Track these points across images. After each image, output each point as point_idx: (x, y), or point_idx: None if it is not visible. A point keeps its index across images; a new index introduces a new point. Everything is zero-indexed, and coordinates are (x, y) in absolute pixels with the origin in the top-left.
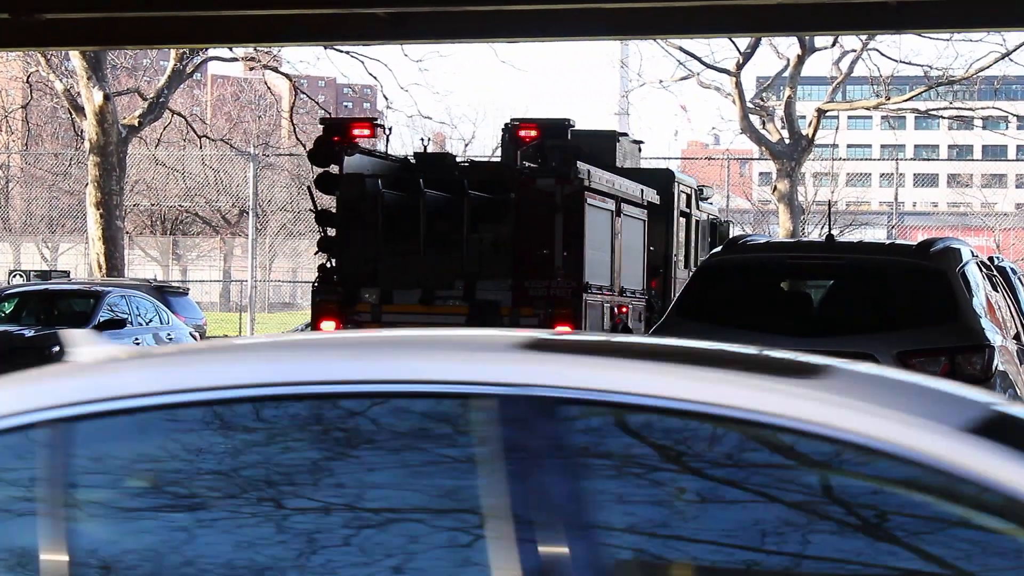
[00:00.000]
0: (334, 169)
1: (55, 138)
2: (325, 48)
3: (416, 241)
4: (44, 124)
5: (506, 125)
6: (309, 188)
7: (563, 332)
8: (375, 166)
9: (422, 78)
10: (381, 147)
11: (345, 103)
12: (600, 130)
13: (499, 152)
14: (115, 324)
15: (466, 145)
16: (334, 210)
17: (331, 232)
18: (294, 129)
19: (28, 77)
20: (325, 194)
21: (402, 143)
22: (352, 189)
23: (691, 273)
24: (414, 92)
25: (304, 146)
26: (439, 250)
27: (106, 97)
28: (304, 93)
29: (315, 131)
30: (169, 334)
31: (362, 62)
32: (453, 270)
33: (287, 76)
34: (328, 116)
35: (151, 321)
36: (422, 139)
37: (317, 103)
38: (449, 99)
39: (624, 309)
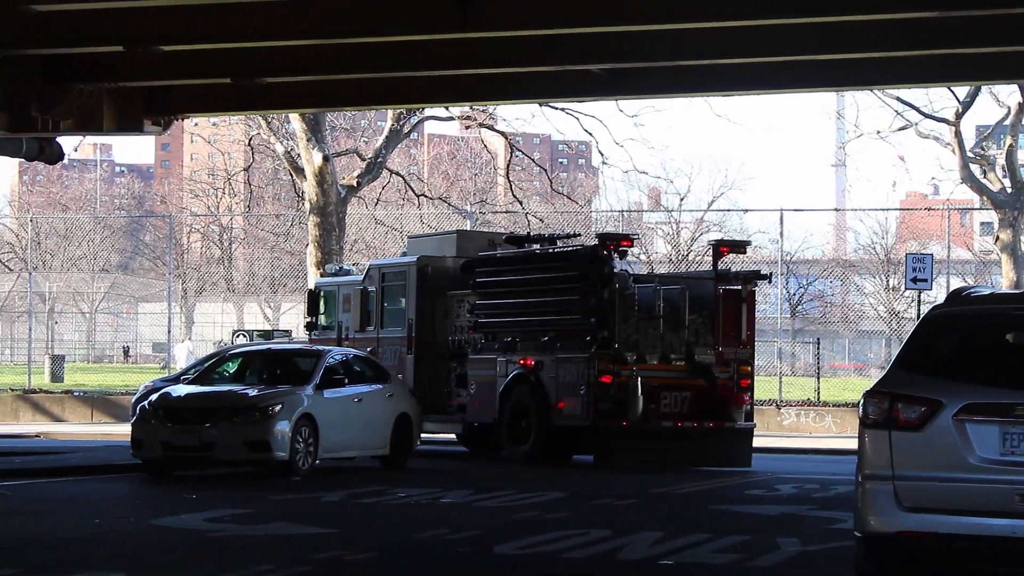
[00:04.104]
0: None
1: (276, 199)
2: (540, 105)
3: (657, 321)
4: (265, 186)
5: (711, 243)
6: (593, 283)
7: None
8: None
9: (637, 133)
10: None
11: (560, 159)
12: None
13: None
14: (335, 383)
15: (681, 199)
16: (605, 298)
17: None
18: (510, 186)
19: (250, 140)
20: (603, 286)
21: (618, 199)
22: (621, 284)
23: (916, 326)
24: (629, 147)
25: (521, 203)
26: (670, 327)
27: (325, 158)
28: (519, 150)
29: (531, 189)
30: (389, 393)
31: (577, 118)
32: (679, 340)
33: (503, 134)
34: (605, 232)
35: (370, 380)
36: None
37: (533, 160)
38: (664, 153)
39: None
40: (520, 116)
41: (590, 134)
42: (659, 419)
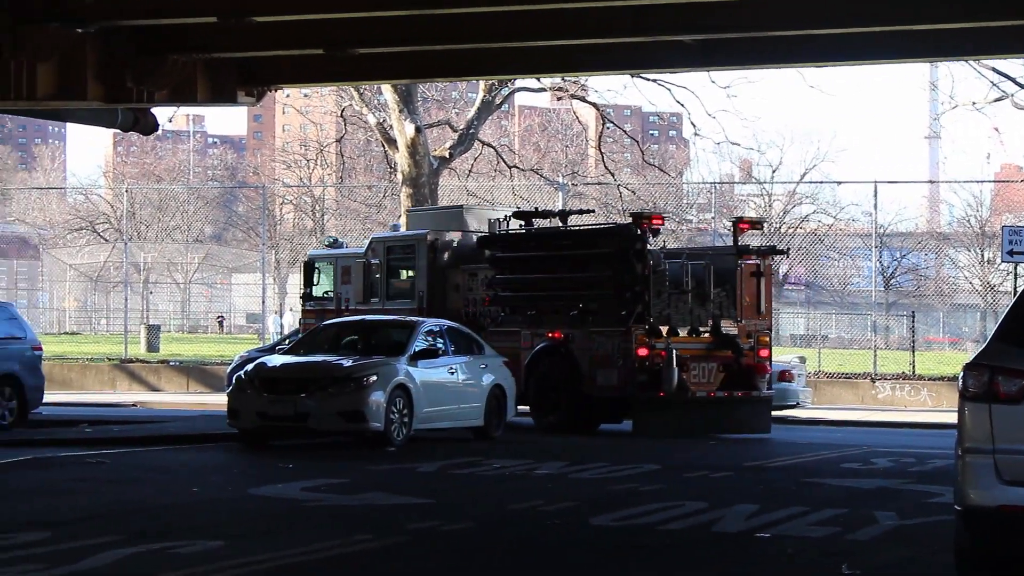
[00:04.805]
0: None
1: (368, 171)
2: (632, 76)
3: (686, 295)
4: (357, 157)
5: (732, 219)
6: (629, 259)
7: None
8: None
9: (729, 104)
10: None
11: (651, 131)
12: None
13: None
14: (429, 354)
15: (773, 171)
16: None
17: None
18: (602, 157)
19: (342, 112)
20: (639, 262)
21: (709, 170)
22: (654, 260)
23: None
24: (721, 118)
25: (613, 175)
26: (697, 301)
27: (417, 129)
28: (611, 121)
29: (623, 160)
30: (483, 364)
31: (669, 89)
32: (706, 313)
33: (594, 105)
34: (638, 211)
35: (464, 351)
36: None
37: (624, 131)
38: (756, 125)
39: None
40: (612, 87)
41: (682, 105)
42: (693, 389)
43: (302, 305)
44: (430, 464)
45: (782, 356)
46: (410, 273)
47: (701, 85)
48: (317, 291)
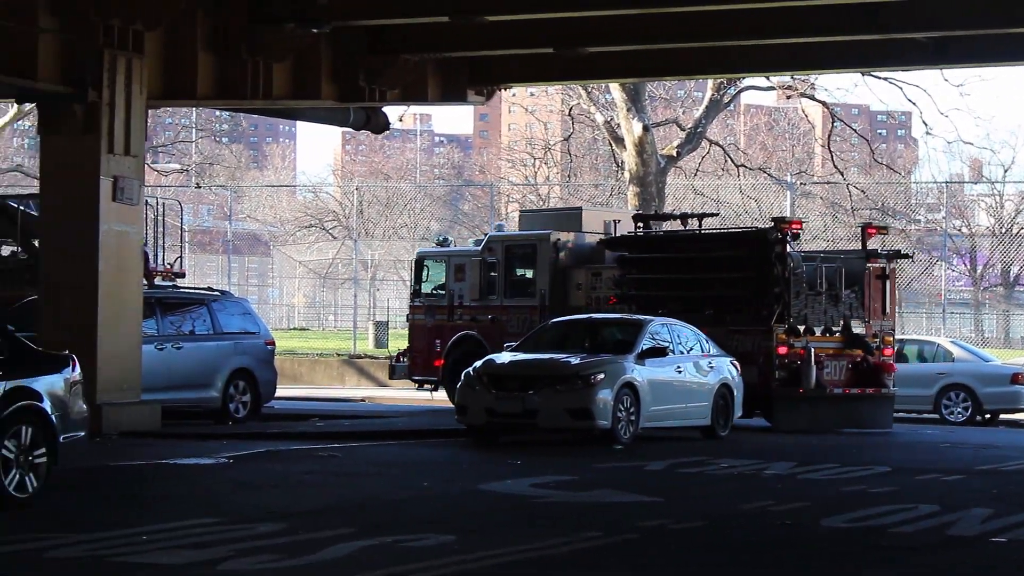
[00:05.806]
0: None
1: (593, 169)
2: (863, 75)
3: (820, 296)
4: (582, 156)
5: (860, 224)
6: (771, 262)
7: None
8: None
9: (962, 102)
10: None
11: (879, 130)
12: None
13: None
14: (657, 352)
15: (1005, 171)
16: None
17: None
18: (831, 156)
19: (569, 111)
20: (781, 265)
21: (939, 170)
22: (794, 263)
23: None
24: (953, 117)
25: (842, 174)
26: (830, 301)
27: (645, 128)
28: (841, 120)
29: (850, 160)
30: (710, 363)
31: (900, 88)
32: (837, 313)
33: (823, 103)
34: (779, 216)
35: (692, 349)
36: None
37: (854, 130)
38: (990, 124)
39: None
40: (841, 85)
41: (913, 103)
42: (829, 386)
43: (410, 301)
44: (658, 463)
45: (1014, 359)
46: (529, 272)
47: (933, 83)
48: (426, 288)
